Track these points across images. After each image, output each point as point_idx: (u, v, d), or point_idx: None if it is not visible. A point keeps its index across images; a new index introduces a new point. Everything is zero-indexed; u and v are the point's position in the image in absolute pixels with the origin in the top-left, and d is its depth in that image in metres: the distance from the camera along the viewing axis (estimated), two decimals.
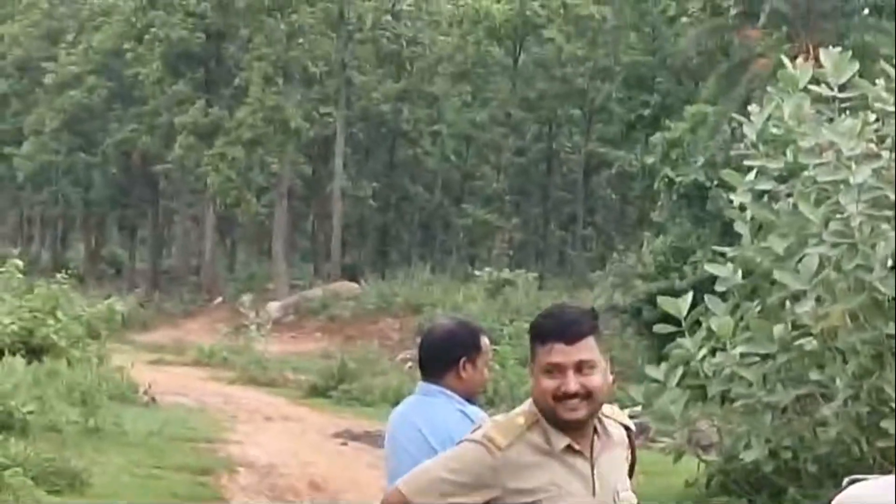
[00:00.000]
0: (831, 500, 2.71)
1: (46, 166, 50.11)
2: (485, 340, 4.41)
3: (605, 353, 3.11)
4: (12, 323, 17.37)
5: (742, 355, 11.43)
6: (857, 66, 11.71)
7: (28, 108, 50.86)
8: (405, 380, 21.30)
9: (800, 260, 11.07)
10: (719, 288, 11.90)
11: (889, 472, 2.66)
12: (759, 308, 11.67)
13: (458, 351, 4.30)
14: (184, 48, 45.05)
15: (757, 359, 11.47)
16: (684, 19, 36.64)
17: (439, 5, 46.38)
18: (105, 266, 55.57)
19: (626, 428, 3.28)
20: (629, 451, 3.28)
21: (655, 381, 12.05)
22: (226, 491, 13.47)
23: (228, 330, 33.61)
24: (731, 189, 12.09)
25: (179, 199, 51.82)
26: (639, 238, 32.33)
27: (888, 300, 10.86)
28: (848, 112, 11.65)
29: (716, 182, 22.10)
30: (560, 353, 3.05)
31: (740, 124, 12.56)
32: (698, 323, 11.74)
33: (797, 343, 11.23)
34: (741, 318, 11.69)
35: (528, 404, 3.13)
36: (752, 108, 12.25)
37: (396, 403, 4.74)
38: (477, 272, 37.11)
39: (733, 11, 29.96)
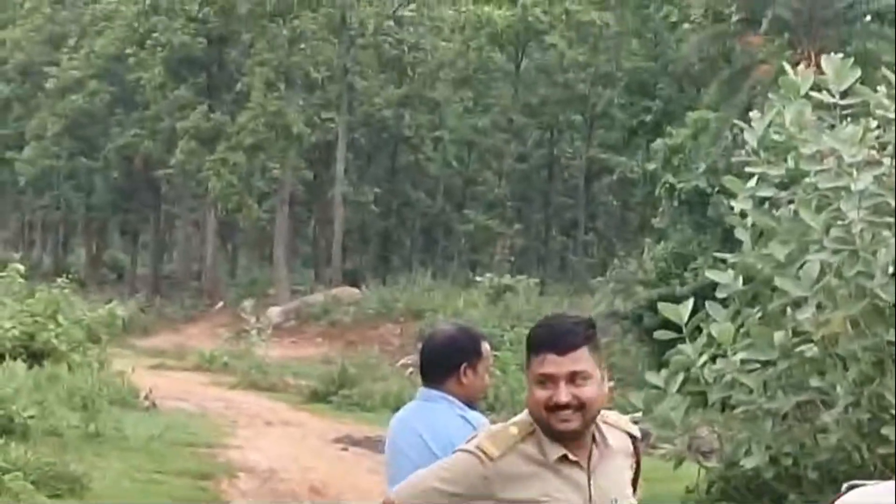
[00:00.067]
0: None
1: (48, 171, 50.15)
2: (486, 346, 4.42)
3: (601, 363, 3.09)
4: (13, 327, 17.39)
5: (743, 362, 11.42)
6: (858, 72, 11.71)
7: (30, 113, 50.90)
8: (406, 385, 21.32)
9: (801, 266, 11.07)
10: (720, 294, 11.89)
11: (889, 479, 2.67)
12: (759, 315, 11.66)
13: (459, 357, 4.31)
14: (186, 53, 45.10)
15: (758, 365, 11.46)
16: (686, 25, 36.66)
17: (441, 11, 46.39)
18: (106, 271, 55.60)
19: (632, 437, 3.26)
20: (634, 460, 3.27)
21: (656, 387, 12.04)
22: (226, 496, 13.48)
23: (229, 335, 33.63)
24: (732, 195, 12.08)
25: (181, 203, 51.85)
26: (640, 244, 32.34)
27: (889, 307, 10.86)
28: (849, 119, 11.65)
29: (717, 188, 22.13)
30: (552, 363, 3.03)
31: (742, 131, 12.55)
32: (699, 329, 11.73)
33: (798, 350, 11.22)
34: (742, 325, 11.69)
35: (524, 414, 3.12)
36: (754, 114, 12.24)
37: (397, 409, 4.75)
38: (478, 278, 37.13)
39: (735, 18, 29.98)
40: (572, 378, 3.02)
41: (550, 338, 3.06)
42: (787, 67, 12.48)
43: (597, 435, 3.12)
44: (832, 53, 12.27)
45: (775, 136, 11.81)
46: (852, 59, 11.93)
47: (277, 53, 42.09)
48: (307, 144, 44.29)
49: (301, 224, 53.36)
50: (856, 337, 10.94)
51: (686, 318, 11.57)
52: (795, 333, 11.24)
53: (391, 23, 45.88)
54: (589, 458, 3.10)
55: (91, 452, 13.85)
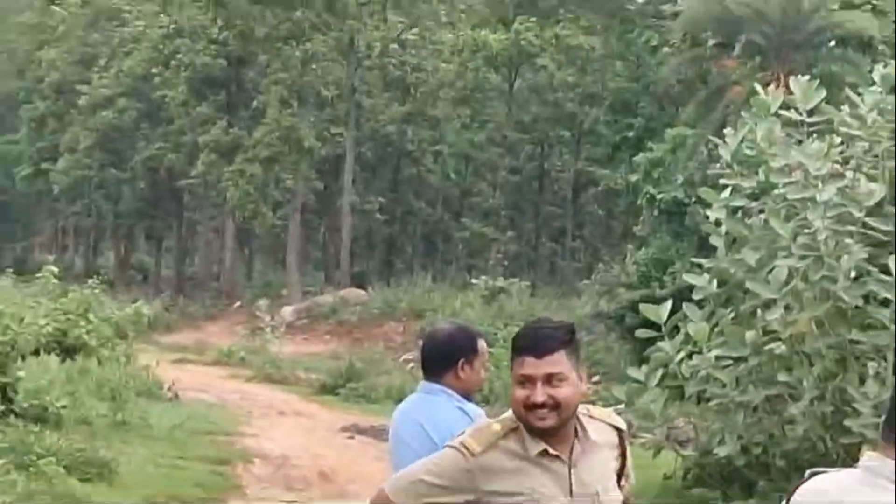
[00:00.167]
0: (793, 490, 2.73)
1: (80, 181, 50.14)
2: (482, 343, 4.42)
3: (578, 366, 3.07)
4: (48, 324, 17.37)
5: (717, 358, 11.42)
6: (823, 93, 11.73)
7: (64, 128, 50.90)
8: (408, 379, 21.27)
9: (770, 271, 11.08)
10: (696, 296, 11.90)
11: (850, 467, 2.68)
12: (732, 315, 11.67)
13: (457, 353, 4.31)
14: (207, 73, 45.11)
15: (730, 362, 11.47)
16: (666, 49, 36.69)
17: (441, 35, 46.36)
18: (133, 273, 55.53)
19: (618, 429, 3.24)
20: (619, 452, 3.25)
21: (637, 381, 12.04)
22: (242, 480, 13.47)
23: (246, 332, 33.61)
24: (708, 205, 12.09)
25: (202, 211, 51.83)
26: (623, 250, 32.30)
27: (851, 309, 10.87)
28: (815, 135, 11.66)
29: (694, 199, 22.10)
30: (531, 365, 3.03)
31: (716, 146, 12.57)
32: (677, 328, 11.73)
33: (767, 347, 11.23)
34: (716, 325, 11.69)
35: (510, 412, 3.12)
36: (728, 131, 12.26)
37: (400, 401, 4.75)
38: (474, 280, 37.05)
39: (711, 42, 30.00)
40: (549, 379, 3.01)
41: (529, 342, 3.07)
42: (759, 88, 12.51)
43: (578, 430, 3.10)
44: (800, 76, 12.29)
45: (747, 151, 11.83)
46: (818, 81, 11.96)
47: (291, 73, 42.08)
48: (318, 157, 44.25)
49: (312, 231, 53.29)
50: (820, 336, 10.95)
51: (665, 318, 11.57)
52: (765, 332, 11.25)
53: (395, 46, 45.88)
54: (570, 452, 3.07)
55: (118, 440, 13.84)
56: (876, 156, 11.58)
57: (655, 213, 26.59)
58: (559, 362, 3.03)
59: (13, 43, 58.47)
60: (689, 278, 12.14)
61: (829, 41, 28.07)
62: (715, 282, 11.71)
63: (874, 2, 27.28)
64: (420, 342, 4.77)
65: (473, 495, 3.05)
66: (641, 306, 12.20)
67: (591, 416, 3.18)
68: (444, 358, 4.31)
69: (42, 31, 54.41)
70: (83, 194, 52.06)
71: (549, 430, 3.03)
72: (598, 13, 45.11)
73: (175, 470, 13.16)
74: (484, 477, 3.04)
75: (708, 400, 11.99)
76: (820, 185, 10.95)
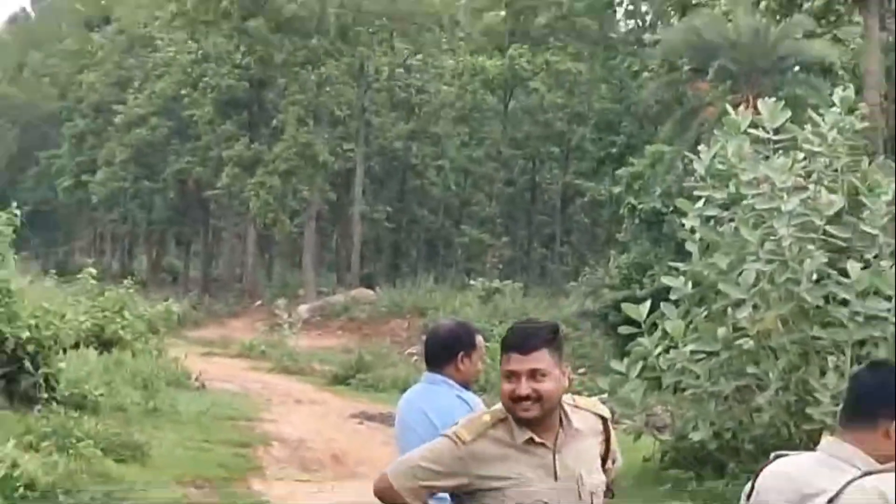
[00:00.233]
0: (760, 471, 2.74)
1: (116, 191, 50.13)
2: (479, 338, 4.43)
3: (561, 362, 3.06)
4: (87, 320, 17.41)
5: (691, 352, 11.44)
6: (788, 114, 11.77)
7: (102, 144, 50.89)
8: (412, 371, 21.25)
9: (740, 274, 11.10)
10: (673, 297, 11.91)
11: (811, 451, 2.69)
12: (705, 313, 11.69)
13: (457, 347, 4.31)
14: (231, 94, 45.10)
15: (703, 355, 11.48)
16: (646, 74, 36.66)
17: (443, 61, 46.39)
18: (164, 274, 55.50)
19: (602, 417, 3.24)
20: (603, 438, 3.24)
21: (619, 373, 12.06)
22: (262, 461, 13.47)
23: (266, 328, 33.61)
24: (683, 214, 12.11)
25: (226, 219, 51.85)
26: (607, 255, 32.28)
27: (813, 308, 10.89)
28: (781, 152, 11.68)
29: (671, 209, 22.09)
30: (516, 361, 3.03)
31: (691, 161, 12.59)
32: (655, 325, 11.75)
33: (737, 343, 11.25)
34: (691, 322, 11.71)
35: (500, 403, 3.11)
36: (702, 147, 12.29)
37: (405, 390, 4.75)
38: (472, 282, 37.02)
39: (686, 68, 30.00)
40: (532, 374, 3.01)
41: (515, 340, 3.07)
42: (730, 109, 12.53)
43: (563, 419, 3.09)
44: (767, 98, 12.32)
45: (719, 166, 11.85)
46: (783, 103, 12.00)
47: (307, 95, 42.10)
48: (331, 171, 44.22)
49: (326, 237, 53.26)
50: (785, 332, 10.97)
51: (644, 316, 11.59)
52: (735, 329, 11.27)
53: (401, 70, 45.93)
54: (555, 440, 3.07)
55: (150, 425, 13.85)
56: (836, 170, 11.60)
57: (636, 221, 26.58)
58: (542, 359, 3.02)
59: (56, 67, 58.57)
60: (667, 280, 12.16)
61: (794, 67, 28.07)
62: (690, 283, 11.74)
63: (835, 32, 27.27)
64: (423, 337, 4.78)
65: (466, 479, 3.05)
66: (623, 305, 12.22)
67: (577, 406, 3.18)
68: (445, 351, 4.31)
69: (82, 57, 54.47)
70: (119, 203, 52.02)
71: (533, 420, 3.03)
72: (585, 41, 45.11)
73: (201, 452, 13.16)
74: (475, 463, 3.04)
75: (683, 390, 12.01)
76: (785, 196, 10.98)
